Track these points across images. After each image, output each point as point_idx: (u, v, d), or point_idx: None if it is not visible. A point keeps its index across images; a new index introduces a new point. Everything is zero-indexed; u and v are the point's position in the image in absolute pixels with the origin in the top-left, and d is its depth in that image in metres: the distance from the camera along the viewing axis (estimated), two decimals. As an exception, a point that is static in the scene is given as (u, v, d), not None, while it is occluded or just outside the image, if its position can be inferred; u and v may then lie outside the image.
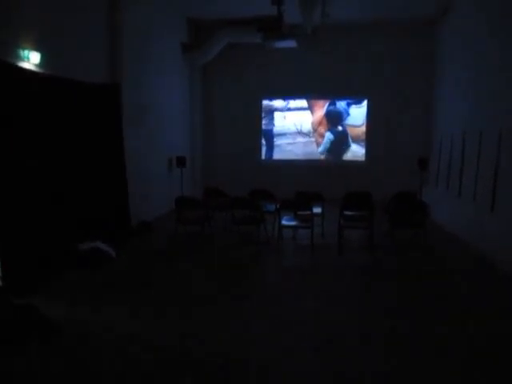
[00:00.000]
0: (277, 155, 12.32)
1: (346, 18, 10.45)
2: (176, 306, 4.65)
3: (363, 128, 11.76)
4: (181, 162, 9.75)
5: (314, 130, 12.04)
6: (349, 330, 4.06)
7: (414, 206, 7.10)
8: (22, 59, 5.16)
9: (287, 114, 12.16)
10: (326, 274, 5.80)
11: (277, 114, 12.22)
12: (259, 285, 5.46)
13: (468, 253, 6.70)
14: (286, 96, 12.04)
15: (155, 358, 3.49)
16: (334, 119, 11.92)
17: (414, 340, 3.84)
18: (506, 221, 5.80)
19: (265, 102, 12.21)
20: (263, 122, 12.27)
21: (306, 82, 11.73)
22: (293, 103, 12.12)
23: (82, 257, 5.81)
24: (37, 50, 5.35)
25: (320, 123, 12.00)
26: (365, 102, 11.67)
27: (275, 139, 12.30)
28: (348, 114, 11.83)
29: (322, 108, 11.95)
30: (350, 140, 11.90)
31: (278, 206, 7.08)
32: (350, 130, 11.89)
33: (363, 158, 11.84)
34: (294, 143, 12.18)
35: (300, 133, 12.12)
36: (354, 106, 11.78)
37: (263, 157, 12.37)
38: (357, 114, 11.78)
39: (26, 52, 5.18)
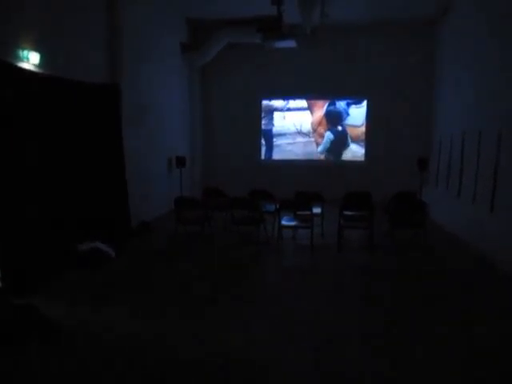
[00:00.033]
0: (277, 155, 12.32)
1: (345, 18, 10.45)
2: (176, 306, 4.65)
3: (363, 128, 11.76)
4: (180, 162, 9.76)
5: (314, 130, 12.04)
6: (349, 330, 4.06)
7: (413, 206, 7.11)
8: (22, 59, 5.15)
9: (287, 114, 12.16)
10: (325, 274, 5.80)
11: (276, 114, 12.22)
12: (259, 285, 5.46)
13: (468, 253, 6.70)
14: (286, 96, 12.04)
15: (155, 358, 3.49)
16: (333, 119, 11.92)
17: (414, 340, 3.84)
18: (506, 221, 5.80)
19: (264, 102, 12.21)
20: (263, 122, 12.27)
21: (306, 82, 11.73)
22: (292, 103, 12.12)
23: (82, 257, 5.81)
24: (36, 50, 5.34)
25: (320, 123, 12.00)
26: (364, 102, 11.67)
27: (275, 139, 12.30)
28: (348, 114, 11.83)
29: (321, 108, 11.95)
30: (349, 140, 11.90)
31: (277, 206, 7.08)
32: (349, 131, 11.88)
33: (363, 158, 11.85)
34: (294, 143, 12.18)
35: (300, 133, 12.12)
36: (353, 106, 11.78)
37: (263, 157, 12.37)
38: (357, 115, 11.78)
39: (25, 52, 5.17)
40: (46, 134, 5.52)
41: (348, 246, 7.03)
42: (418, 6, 9.66)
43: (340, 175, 11.57)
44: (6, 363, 3.39)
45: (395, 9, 9.90)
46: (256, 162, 12.30)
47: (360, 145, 11.85)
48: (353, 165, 11.89)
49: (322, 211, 7.51)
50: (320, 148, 12.06)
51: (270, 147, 12.34)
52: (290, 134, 12.19)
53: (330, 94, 11.80)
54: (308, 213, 6.77)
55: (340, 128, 11.92)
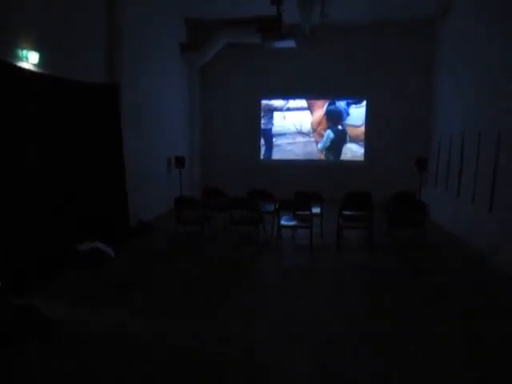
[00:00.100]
0: (277, 155, 12.32)
1: (345, 18, 10.44)
2: (176, 306, 4.65)
3: (363, 128, 11.76)
4: (180, 162, 9.73)
5: (314, 130, 12.05)
6: (349, 330, 4.06)
7: (413, 206, 7.10)
8: (21, 59, 5.15)
9: (287, 113, 12.17)
10: (325, 274, 5.80)
11: (276, 114, 12.22)
12: (259, 285, 5.46)
13: (468, 253, 6.70)
14: (285, 96, 12.04)
15: (155, 358, 3.49)
16: (334, 118, 11.92)
17: (414, 340, 3.84)
18: (505, 221, 5.80)
19: (264, 102, 12.21)
20: (262, 121, 12.27)
21: (306, 82, 11.73)
22: (292, 103, 12.12)
23: (82, 257, 5.81)
24: (36, 49, 5.34)
25: (319, 123, 12.00)
26: (364, 102, 11.67)
27: (275, 139, 12.30)
28: (348, 114, 11.84)
29: (321, 108, 11.95)
30: (348, 138, 11.91)
31: (276, 206, 7.08)
32: (350, 130, 11.88)
33: (362, 158, 11.85)
34: (294, 143, 12.18)
35: (300, 133, 12.12)
36: (353, 105, 11.78)
37: (262, 156, 12.37)
38: (357, 114, 11.78)
39: (24, 52, 5.17)
40: (46, 133, 5.52)
41: (347, 246, 7.03)
42: (417, 6, 9.67)
43: (339, 175, 11.57)
44: (6, 363, 3.38)
45: (395, 9, 9.90)
46: (255, 161, 12.30)
47: (360, 144, 11.86)
48: (352, 165, 11.89)
49: (322, 211, 7.51)
50: (320, 145, 12.05)
51: (269, 147, 12.34)
52: (290, 133, 12.19)
53: (330, 94, 11.80)
54: (307, 213, 6.77)
55: (340, 127, 11.93)
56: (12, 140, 4.88)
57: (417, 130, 11.23)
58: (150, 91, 8.83)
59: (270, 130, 12.29)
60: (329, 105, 11.90)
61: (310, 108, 12.02)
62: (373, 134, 11.61)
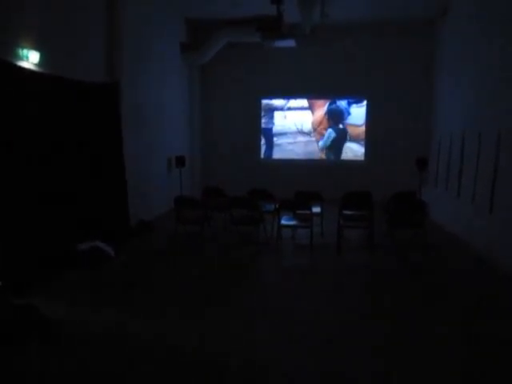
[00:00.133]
0: (277, 154, 12.32)
1: (345, 18, 10.44)
2: (176, 306, 4.65)
3: (364, 128, 11.76)
4: (180, 161, 9.73)
5: (314, 130, 12.05)
6: (349, 330, 4.06)
7: (413, 206, 7.10)
8: (21, 58, 5.15)
9: (288, 113, 12.16)
10: (325, 273, 5.80)
11: (277, 114, 12.22)
12: (259, 285, 5.46)
13: (468, 253, 6.70)
14: (285, 96, 12.04)
15: (155, 358, 3.49)
16: (335, 117, 11.92)
17: (414, 340, 3.85)
18: (505, 221, 5.80)
19: (264, 101, 12.20)
20: (263, 120, 12.27)
21: (306, 82, 11.73)
22: (293, 102, 12.12)
23: (82, 256, 5.80)
24: (36, 49, 5.34)
25: (320, 123, 12.00)
26: (365, 102, 11.67)
27: (276, 138, 12.29)
28: (349, 114, 11.84)
29: (322, 107, 11.95)
30: (348, 138, 11.91)
31: (277, 205, 7.08)
32: (351, 130, 11.88)
33: (363, 158, 11.85)
34: (295, 142, 12.18)
35: (300, 132, 12.12)
36: (354, 105, 11.78)
37: (262, 156, 12.37)
38: (358, 114, 11.78)
39: (25, 51, 5.17)
40: (46, 133, 5.51)
41: (348, 246, 7.03)
42: (418, 6, 9.66)
43: (340, 175, 11.57)
44: (6, 363, 3.38)
45: (395, 9, 9.89)
46: (256, 161, 12.30)
47: (361, 144, 11.86)
48: (353, 164, 11.89)
49: (322, 211, 7.51)
50: (321, 143, 12.05)
51: (270, 146, 12.34)
52: (291, 133, 12.19)
53: (330, 94, 11.80)
54: (307, 212, 6.77)
55: (341, 126, 11.93)
56: (12, 139, 4.88)
57: (417, 130, 11.22)
58: (150, 91, 8.83)
59: (271, 129, 12.29)
60: (330, 104, 11.90)
61: (310, 107, 12.02)
62: (373, 133, 11.61)
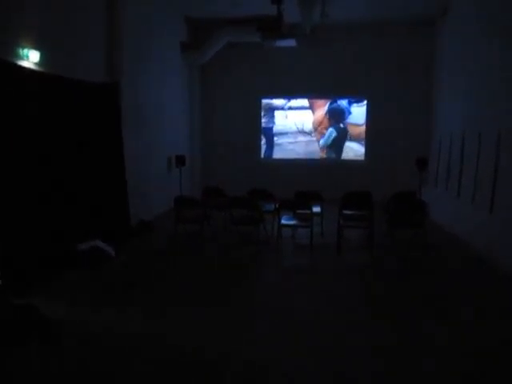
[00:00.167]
0: (278, 154, 12.31)
1: (345, 18, 10.44)
2: (176, 306, 4.65)
3: (364, 127, 11.77)
4: (180, 161, 9.72)
5: (315, 129, 12.05)
6: (349, 330, 4.06)
7: (413, 206, 7.10)
8: (22, 58, 5.15)
9: (289, 112, 12.16)
10: (325, 273, 5.80)
11: (278, 113, 12.21)
12: (259, 285, 5.46)
13: (468, 253, 6.70)
14: (285, 95, 12.04)
15: (155, 358, 3.49)
16: (336, 116, 11.93)
17: (414, 340, 3.84)
18: (506, 221, 5.80)
19: (265, 101, 12.20)
20: (263, 120, 12.26)
21: (306, 82, 11.73)
22: (294, 102, 12.11)
23: (82, 256, 5.80)
24: (36, 48, 5.33)
25: (321, 122, 12.00)
26: (365, 102, 11.68)
27: (277, 138, 12.29)
28: (350, 113, 11.84)
29: (322, 107, 11.95)
30: (348, 137, 11.91)
31: (277, 205, 7.08)
32: (351, 129, 11.89)
33: (363, 158, 11.86)
34: (296, 142, 12.18)
35: (301, 132, 12.12)
36: (355, 104, 11.78)
37: (262, 155, 12.37)
38: (358, 113, 11.78)
39: (25, 51, 5.17)
40: (46, 132, 5.51)
41: (347, 246, 7.03)
42: (418, 6, 9.66)
43: (340, 174, 11.56)
44: (6, 363, 3.38)
45: (395, 9, 9.89)
46: (256, 161, 12.30)
47: (361, 143, 11.87)
48: (353, 164, 11.89)
49: (322, 210, 7.50)
50: (321, 141, 12.04)
51: (270, 145, 12.34)
52: (292, 132, 12.19)
53: (330, 94, 11.80)
54: (307, 212, 6.77)
55: (342, 125, 11.93)
56: (12, 139, 4.88)
57: (417, 129, 11.22)
58: (149, 91, 8.83)
59: (272, 128, 12.28)
60: (331, 103, 11.90)
61: (311, 107, 12.02)
62: (373, 133, 11.61)
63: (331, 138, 11.99)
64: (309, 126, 12.07)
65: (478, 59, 7.47)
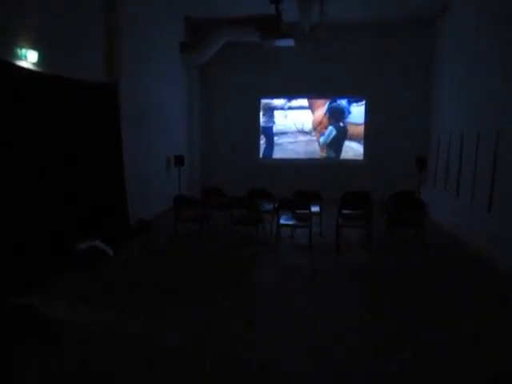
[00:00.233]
0: (278, 154, 12.31)
1: (345, 18, 10.44)
2: (176, 305, 4.65)
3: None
4: (179, 160, 9.71)
5: (315, 129, 12.05)
6: (349, 330, 4.06)
7: (412, 206, 7.10)
8: (20, 58, 5.13)
9: (288, 112, 12.16)
10: (324, 273, 5.81)
11: (278, 113, 12.21)
12: (259, 285, 5.46)
13: (467, 252, 6.71)
14: (285, 95, 12.03)
15: (155, 359, 3.49)
16: (336, 115, 11.92)
17: (414, 340, 3.85)
18: (505, 220, 5.81)
19: (264, 101, 12.19)
20: (263, 119, 12.26)
21: (305, 81, 11.72)
22: (294, 102, 12.10)
23: (81, 256, 5.80)
24: (35, 48, 5.32)
25: (320, 122, 12.01)
26: (364, 101, 11.68)
27: (277, 138, 12.28)
28: (349, 112, 11.84)
29: (322, 107, 11.95)
30: (348, 137, 11.92)
31: (276, 205, 7.07)
32: (351, 128, 11.89)
33: (362, 157, 11.86)
34: (296, 142, 12.18)
35: (301, 131, 12.12)
36: (354, 104, 11.78)
37: (261, 155, 12.36)
38: (358, 112, 11.78)
39: (23, 50, 5.15)
40: (45, 132, 5.50)
41: (347, 245, 7.03)
42: (418, 6, 9.66)
43: (339, 174, 11.57)
44: (6, 363, 3.38)
45: (395, 8, 9.89)
46: (255, 161, 12.29)
47: (361, 143, 11.87)
48: (352, 164, 11.90)
49: (321, 210, 7.51)
50: (321, 139, 12.04)
51: (270, 145, 12.33)
52: (292, 132, 12.19)
53: (330, 93, 11.79)
54: (307, 212, 6.77)
55: (342, 124, 11.93)
56: (11, 139, 4.87)
57: (417, 129, 11.23)
58: (149, 91, 8.82)
59: (271, 128, 12.28)
60: (331, 102, 11.90)
61: (310, 107, 12.02)
62: (372, 133, 11.61)
63: (331, 136, 11.99)
64: (308, 126, 12.07)
65: (478, 59, 7.48)
